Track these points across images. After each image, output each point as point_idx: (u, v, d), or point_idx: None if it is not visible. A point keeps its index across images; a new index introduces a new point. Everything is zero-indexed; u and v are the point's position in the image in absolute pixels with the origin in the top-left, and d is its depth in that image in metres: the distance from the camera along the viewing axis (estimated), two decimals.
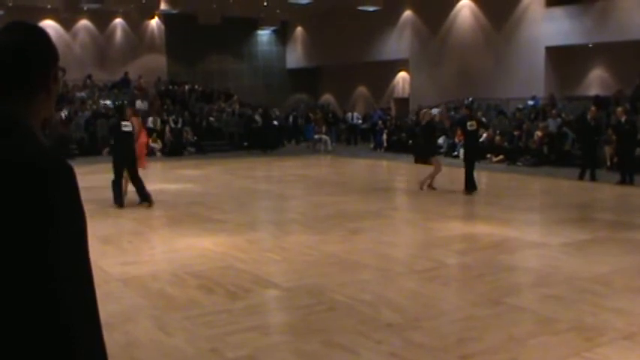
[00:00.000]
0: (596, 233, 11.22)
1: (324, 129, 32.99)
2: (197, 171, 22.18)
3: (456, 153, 25.43)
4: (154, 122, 29.49)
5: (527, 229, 11.72)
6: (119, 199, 13.86)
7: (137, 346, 5.90)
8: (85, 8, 35.06)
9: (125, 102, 26.85)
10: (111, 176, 14.11)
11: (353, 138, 36.09)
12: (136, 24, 38.83)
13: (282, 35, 43.87)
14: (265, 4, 35.84)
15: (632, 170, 18.16)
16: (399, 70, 37.72)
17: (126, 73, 36.25)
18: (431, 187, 16.56)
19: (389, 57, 36.42)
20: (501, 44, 30.33)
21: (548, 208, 14.58)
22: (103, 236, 10.71)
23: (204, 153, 29.21)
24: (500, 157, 24.67)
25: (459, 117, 18.81)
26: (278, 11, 38.56)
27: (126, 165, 13.93)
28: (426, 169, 17.30)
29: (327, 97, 43.65)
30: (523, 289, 7.93)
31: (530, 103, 28.24)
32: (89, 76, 35.40)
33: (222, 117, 33.51)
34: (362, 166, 24.94)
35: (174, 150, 28.52)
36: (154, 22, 39.38)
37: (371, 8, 33.52)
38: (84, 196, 1.79)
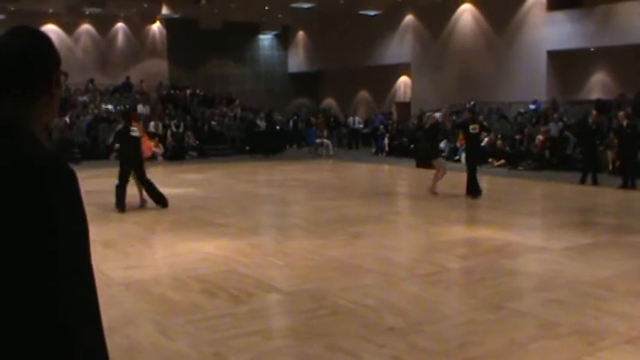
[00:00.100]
0: (598, 237, 11.22)
1: (325, 133, 32.99)
2: (199, 175, 22.19)
3: (457, 157, 25.43)
4: (156, 127, 29.53)
5: (529, 234, 11.72)
6: (121, 204, 13.90)
7: (139, 350, 5.91)
8: (87, 12, 35.18)
9: (127, 107, 26.96)
10: (114, 180, 14.14)
11: (354, 142, 36.10)
12: (137, 28, 38.87)
13: (284, 40, 43.89)
14: (267, 8, 35.86)
15: (634, 174, 18.14)
16: (401, 75, 37.73)
17: (127, 78, 36.29)
18: (433, 191, 16.47)
19: (390, 61, 36.43)
20: (503, 48, 30.34)
21: (550, 213, 14.59)
22: (105, 240, 10.72)
23: (206, 157, 29.22)
24: (502, 161, 24.67)
25: (461, 120, 18.78)
26: (280, 16, 38.60)
27: (133, 168, 14.08)
28: (430, 174, 17.23)
29: (329, 102, 43.65)
30: (525, 293, 7.94)
31: (532, 107, 28.24)
32: (91, 81, 35.42)
33: (224, 121, 33.53)
34: (364, 171, 24.94)
35: (176, 154, 28.53)
36: (156, 27, 39.42)
37: (372, 13, 33.63)
38: (86, 200, 1.80)
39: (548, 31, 28.26)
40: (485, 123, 19.56)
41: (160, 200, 14.45)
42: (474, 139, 16.59)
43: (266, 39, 43.24)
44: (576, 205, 15.92)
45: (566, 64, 28.38)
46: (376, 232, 11.73)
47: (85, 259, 1.79)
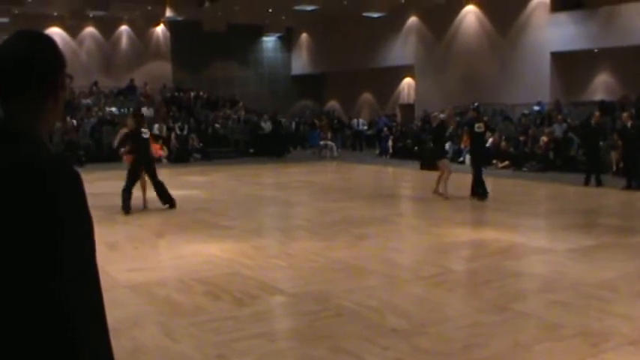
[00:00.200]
0: (602, 239, 11.20)
1: (329, 135, 33.02)
2: (203, 177, 22.22)
3: (461, 159, 25.42)
4: (160, 129, 29.55)
5: (533, 235, 11.70)
6: (127, 206, 13.94)
7: (144, 352, 5.92)
8: (91, 15, 35.26)
9: (131, 109, 26.96)
10: (119, 183, 14.17)
11: (358, 144, 36.12)
12: (141, 31, 38.95)
13: (288, 42, 43.95)
14: (270, 10, 35.90)
15: (637, 175, 18.12)
16: (405, 76, 37.75)
17: (131, 80, 36.37)
18: (437, 192, 16.40)
19: (394, 63, 36.45)
20: (506, 50, 30.34)
21: (554, 214, 14.58)
22: (110, 242, 10.74)
23: (210, 160, 29.26)
24: (506, 162, 24.65)
25: (466, 119, 18.69)
26: (283, 18, 38.63)
27: (145, 168, 14.16)
28: (435, 176, 17.16)
29: (333, 104, 43.68)
30: (529, 295, 7.93)
31: (536, 108, 28.23)
32: (95, 83, 35.50)
33: (227, 124, 33.56)
34: (367, 173, 24.94)
35: (180, 157, 28.56)
36: (160, 29, 39.50)
37: (376, 14, 33.62)
38: (91, 202, 1.81)
39: (551, 32, 28.26)
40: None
41: (169, 200, 14.58)
42: (478, 139, 16.48)
43: (269, 41, 43.30)
44: (580, 206, 15.91)
45: (570, 66, 28.37)
46: (380, 234, 11.73)
47: (90, 260, 1.80)
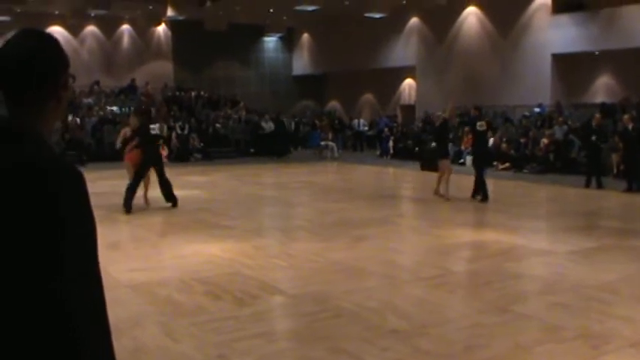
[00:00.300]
0: (603, 241, 11.21)
1: (330, 136, 33.03)
2: (204, 177, 22.23)
3: (462, 160, 25.42)
4: (161, 129, 29.49)
5: (534, 237, 11.70)
6: (129, 205, 13.93)
7: (145, 352, 5.92)
8: (92, 14, 35.26)
9: (131, 108, 26.93)
10: (120, 182, 14.18)
11: (359, 145, 36.12)
12: (142, 30, 38.96)
13: (289, 42, 43.96)
14: (271, 10, 35.90)
15: (638, 178, 18.12)
16: (406, 77, 37.76)
17: (133, 80, 36.37)
18: (438, 193, 16.36)
19: (395, 64, 36.46)
20: (507, 51, 30.34)
21: (555, 216, 14.58)
22: (111, 242, 10.74)
23: (211, 159, 29.26)
24: (507, 164, 24.65)
25: (467, 118, 18.59)
26: (284, 18, 38.64)
27: (154, 166, 14.16)
28: (435, 177, 17.11)
29: (334, 104, 43.68)
30: (530, 296, 7.93)
31: (537, 110, 28.23)
32: (97, 82, 35.50)
33: (228, 124, 33.57)
34: (368, 173, 24.94)
35: (180, 156, 28.56)
36: (161, 29, 39.50)
37: (377, 15, 33.60)
38: (92, 201, 1.81)
39: (552, 34, 28.26)
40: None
41: (172, 199, 14.60)
42: (481, 138, 16.35)
43: (271, 41, 43.31)
44: (581, 208, 15.91)
45: (571, 68, 28.38)
46: (380, 235, 11.73)
47: (93, 260, 1.80)
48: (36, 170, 1.73)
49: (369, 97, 41.15)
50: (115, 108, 33.22)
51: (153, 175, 14.71)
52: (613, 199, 17.39)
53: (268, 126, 32.60)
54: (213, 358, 5.73)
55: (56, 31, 34.16)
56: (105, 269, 1.77)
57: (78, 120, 29.31)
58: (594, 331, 6.43)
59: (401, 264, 9.75)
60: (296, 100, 43.70)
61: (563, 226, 12.62)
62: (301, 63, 43.80)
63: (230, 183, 20.89)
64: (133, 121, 14.88)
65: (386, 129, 33.44)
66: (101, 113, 31.74)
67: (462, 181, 18.21)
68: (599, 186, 18.69)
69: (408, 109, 37.20)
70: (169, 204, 14.68)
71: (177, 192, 15.00)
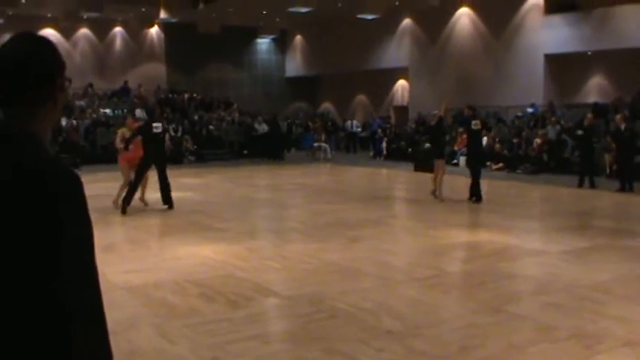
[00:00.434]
0: (596, 241, 11.24)
1: (323, 137, 33.05)
2: (197, 179, 22.22)
3: (455, 161, 25.45)
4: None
5: (527, 237, 11.73)
6: (124, 208, 13.90)
7: (140, 354, 5.92)
8: (85, 17, 35.18)
9: (124, 111, 26.91)
10: (113, 185, 14.17)
11: (352, 146, 36.11)
12: (135, 32, 38.90)
13: (282, 44, 43.95)
14: (264, 12, 35.90)
15: (631, 178, 18.19)
16: (399, 78, 37.78)
17: (125, 82, 36.34)
18: (435, 194, 16.27)
19: (388, 65, 36.49)
20: (500, 52, 30.39)
21: (548, 216, 14.61)
22: (106, 244, 10.73)
23: (204, 162, 29.23)
24: (500, 164, 24.69)
25: (462, 117, 18.56)
26: (277, 20, 38.63)
27: (157, 166, 14.11)
28: (428, 178, 17.08)
29: (327, 106, 43.69)
30: (523, 296, 7.95)
31: (530, 110, 28.29)
32: (90, 85, 35.43)
33: (221, 125, 33.54)
34: (361, 175, 24.96)
35: (173, 158, 28.47)
36: (154, 31, 39.46)
37: (370, 16, 33.64)
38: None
39: (545, 34, 28.32)
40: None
41: (168, 202, 14.65)
42: (475, 137, 16.20)
43: (264, 43, 43.30)
44: (574, 208, 15.95)
45: (564, 68, 28.45)
46: (374, 236, 11.74)
47: (90, 262, 1.81)
48: (34, 171, 1.75)
49: (362, 98, 41.17)
50: (107, 110, 33.18)
51: (152, 177, 14.69)
52: (606, 198, 17.44)
53: (261, 128, 32.59)
54: None
55: (49, 33, 34.05)
56: (100, 271, 1.79)
57: (74, 122, 29.25)
58: (587, 330, 6.45)
59: (395, 265, 9.76)
60: (289, 101, 43.69)
61: (556, 226, 12.65)
62: (294, 65, 43.80)
63: (223, 185, 20.88)
64: (130, 121, 14.90)
65: (379, 130, 33.47)
66: (94, 116, 31.69)
67: (456, 181, 18.25)
68: (592, 186, 18.75)
69: (401, 110, 37.23)
70: (165, 206, 14.66)
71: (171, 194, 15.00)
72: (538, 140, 24.35)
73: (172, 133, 30.10)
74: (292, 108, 43.44)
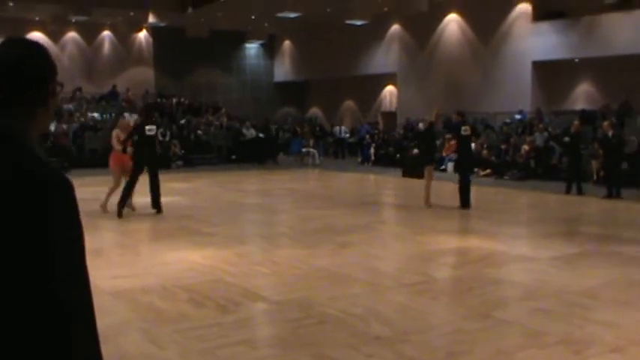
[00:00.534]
0: (584, 247, 11.29)
1: (311, 142, 33.06)
2: (185, 184, 22.17)
3: (443, 167, 25.50)
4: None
5: (515, 243, 11.76)
6: (122, 207, 13.89)
7: (129, 359, 5.90)
8: (73, 20, 35.06)
9: (112, 115, 26.84)
10: (101, 189, 14.13)
11: (340, 152, 36.09)
12: (123, 37, 38.82)
13: (270, 49, 43.95)
14: (253, 17, 35.89)
15: (618, 184, 18.28)
16: (387, 84, 37.85)
17: (114, 86, 36.23)
18: (428, 202, 16.13)
19: (376, 71, 36.55)
20: (488, 58, 30.51)
21: (536, 222, 14.66)
22: (94, 249, 10.67)
23: (193, 166, 29.16)
24: (488, 171, 24.77)
25: (451, 123, 18.56)
26: (266, 25, 38.62)
27: (149, 169, 14.08)
28: (416, 183, 17.10)
29: (315, 111, 43.71)
30: (512, 302, 7.97)
31: (517, 117, 28.41)
32: (79, 89, 35.28)
33: (210, 130, 33.49)
34: (350, 180, 24.96)
35: (161, 163, 28.41)
36: (142, 35, 39.40)
37: (359, 22, 33.71)
38: None
39: (533, 41, 28.45)
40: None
41: (157, 206, 14.68)
42: (465, 143, 16.26)
43: (252, 48, 43.30)
44: (562, 214, 16.02)
45: (551, 75, 28.57)
46: (363, 242, 11.75)
47: (81, 264, 1.83)
48: (25, 173, 1.75)
49: (350, 104, 41.22)
50: (96, 114, 33.07)
51: (140, 180, 14.65)
52: (593, 205, 17.52)
53: (249, 133, 32.60)
54: None
55: (37, 37, 33.93)
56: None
57: (64, 126, 29.14)
58: (576, 336, 6.48)
59: (384, 270, 9.76)
60: (277, 106, 43.68)
61: (544, 232, 12.70)
62: (283, 70, 43.81)
63: (212, 190, 20.86)
64: (123, 123, 14.90)
65: (367, 136, 33.47)
66: (82, 119, 31.59)
67: (444, 187, 18.28)
68: (580, 192, 18.83)
69: (390, 116, 37.26)
70: (154, 210, 14.63)
71: None
72: (526, 147, 24.44)
73: (160, 138, 30.08)
74: (280, 113, 43.42)
